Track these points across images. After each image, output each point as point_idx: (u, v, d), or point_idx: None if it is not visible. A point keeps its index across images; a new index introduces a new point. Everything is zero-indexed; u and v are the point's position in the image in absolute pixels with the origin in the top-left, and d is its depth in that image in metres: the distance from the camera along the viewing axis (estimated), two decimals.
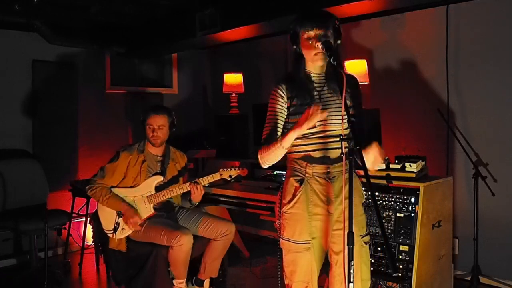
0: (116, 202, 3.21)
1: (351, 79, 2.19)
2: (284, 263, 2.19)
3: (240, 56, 5.51)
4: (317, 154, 2.11)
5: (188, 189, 3.23)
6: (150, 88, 5.52)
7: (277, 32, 4.42)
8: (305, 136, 2.11)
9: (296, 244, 2.12)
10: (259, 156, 2.15)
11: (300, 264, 2.12)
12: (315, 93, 2.12)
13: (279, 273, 2.31)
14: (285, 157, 2.19)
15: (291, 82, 2.14)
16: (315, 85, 2.13)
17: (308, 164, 2.12)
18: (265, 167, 2.18)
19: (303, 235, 2.11)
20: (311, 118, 1.94)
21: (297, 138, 2.11)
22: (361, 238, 2.14)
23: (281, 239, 2.19)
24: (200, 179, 3.22)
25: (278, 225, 2.22)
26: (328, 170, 2.10)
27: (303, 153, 2.14)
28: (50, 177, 4.37)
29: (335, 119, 2.09)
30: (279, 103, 2.15)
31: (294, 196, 2.13)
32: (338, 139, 2.00)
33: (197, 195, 3.24)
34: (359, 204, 2.17)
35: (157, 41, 4.65)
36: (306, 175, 2.13)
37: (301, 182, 2.13)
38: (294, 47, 2.14)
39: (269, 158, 2.11)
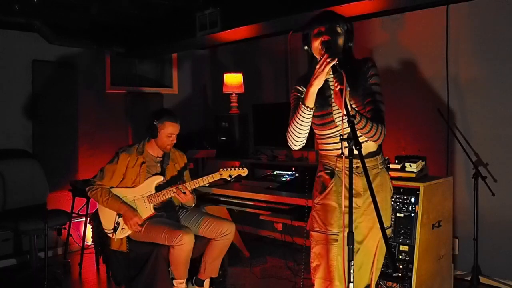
0: (115, 203, 3.21)
1: (364, 64, 2.15)
2: (311, 258, 2.21)
3: (240, 56, 5.51)
4: (345, 150, 2.13)
5: (173, 194, 3.23)
6: (150, 88, 5.52)
7: (277, 32, 4.42)
8: (331, 136, 2.14)
9: (325, 235, 2.14)
10: (287, 137, 2.13)
11: (325, 258, 2.13)
12: (330, 92, 2.13)
13: (303, 268, 2.31)
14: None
15: (307, 83, 2.14)
16: (330, 83, 2.13)
17: (339, 159, 2.15)
18: (294, 146, 2.14)
19: (332, 226, 2.14)
20: (323, 68, 1.92)
21: (323, 139, 2.15)
22: None
23: (310, 232, 2.21)
24: (200, 179, 3.22)
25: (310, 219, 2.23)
26: (358, 165, 2.12)
27: (333, 152, 2.17)
28: (50, 177, 4.37)
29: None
30: (302, 96, 2.16)
31: (325, 188, 2.16)
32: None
33: (186, 200, 3.24)
34: (386, 199, 2.21)
35: (157, 41, 4.65)
36: (337, 168, 2.16)
37: (332, 175, 2.17)
38: (306, 47, 2.17)
39: (296, 128, 2.06)
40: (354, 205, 2.13)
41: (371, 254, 2.20)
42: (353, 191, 2.12)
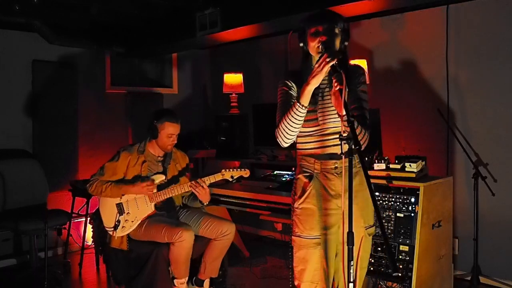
0: (117, 188, 3.20)
1: (355, 71, 2.18)
2: (294, 263, 2.20)
3: (240, 56, 5.51)
4: (324, 151, 2.14)
5: (189, 189, 3.22)
6: (150, 88, 5.52)
7: (277, 32, 4.42)
8: (311, 134, 2.14)
9: (307, 240, 2.13)
10: (277, 133, 2.12)
11: (310, 262, 2.13)
12: (319, 91, 2.13)
13: (291, 272, 2.32)
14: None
15: (298, 78, 2.14)
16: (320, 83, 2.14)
17: (316, 160, 2.14)
18: (284, 143, 2.13)
19: (313, 230, 2.13)
20: (322, 67, 1.92)
21: (302, 137, 2.14)
22: (366, 229, 2.17)
23: (292, 237, 2.20)
24: (202, 179, 3.22)
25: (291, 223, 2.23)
26: (336, 165, 2.11)
27: (310, 151, 2.16)
28: (50, 177, 4.37)
29: (338, 117, 2.11)
30: (292, 92, 2.16)
31: (304, 191, 2.15)
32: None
33: (202, 195, 3.21)
34: (367, 198, 2.18)
35: (157, 41, 4.65)
36: (315, 171, 2.15)
37: (310, 178, 2.16)
38: (301, 44, 2.16)
39: (288, 126, 2.06)
40: (335, 206, 2.14)
41: (355, 254, 2.18)
42: (333, 192, 2.13)
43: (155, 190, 3.23)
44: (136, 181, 3.24)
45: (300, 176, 2.20)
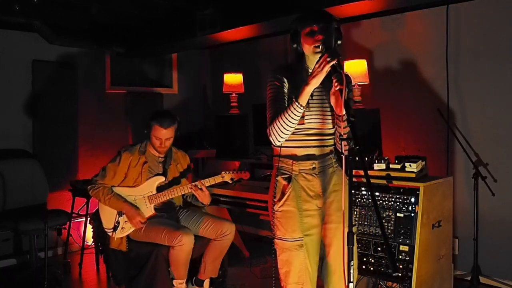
0: (117, 202, 3.21)
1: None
2: (279, 265, 2.20)
3: (240, 56, 5.51)
4: (302, 152, 2.15)
5: (189, 190, 3.22)
6: (150, 88, 5.52)
7: (277, 32, 4.42)
8: (293, 133, 2.12)
9: (289, 242, 2.14)
10: (271, 131, 2.08)
11: (294, 264, 2.13)
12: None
13: (273, 274, 2.34)
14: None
15: (290, 75, 2.14)
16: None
17: (294, 162, 2.15)
18: (278, 142, 2.10)
19: (295, 232, 2.13)
20: (322, 67, 1.91)
21: None
22: None
23: (275, 240, 2.21)
24: (201, 181, 3.21)
25: (272, 225, 2.24)
26: (314, 166, 2.12)
27: (288, 150, 2.16)
28: (50, 177, 4.37)
29: (326, 117, 2.12)
30: (284, 87, 2.14)
31: (283, 194, 2.15)
32: (328, 137, 2.11)
33: (202, 197, 3.22)
34: (345, 196, 2.17)
35: (157, 41, 4.65)
36: (293, 172, 2.15)
37: (288, 180, 2.16)
38: (295, 45, 2.15)
39: (284, 125, 2.02)
40: (314, 207, 2.14)
41: (341, 254, 2.14)
42: (312, 193, 2.13)
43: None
44: (138, 185, 3.25)
45: (278, 178, 2.19)
